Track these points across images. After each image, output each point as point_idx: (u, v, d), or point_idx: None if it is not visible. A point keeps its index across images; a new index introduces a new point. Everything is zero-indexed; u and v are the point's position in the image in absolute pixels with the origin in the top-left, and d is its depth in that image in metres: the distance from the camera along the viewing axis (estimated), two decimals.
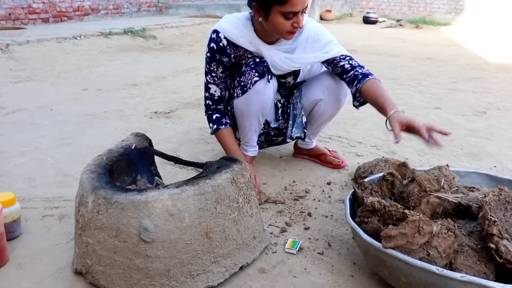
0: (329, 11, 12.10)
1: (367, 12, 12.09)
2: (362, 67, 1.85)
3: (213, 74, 1.91)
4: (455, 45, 7.54)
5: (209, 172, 1.31)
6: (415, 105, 3.45)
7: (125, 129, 2.76)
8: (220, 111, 2.01)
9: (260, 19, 1.73)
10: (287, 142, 2.22)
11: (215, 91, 1.95)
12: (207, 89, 1.97)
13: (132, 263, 1.20)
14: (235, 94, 1.90)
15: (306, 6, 1.65)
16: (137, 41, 6.89)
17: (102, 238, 1.20)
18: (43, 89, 3.88)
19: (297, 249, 1.51)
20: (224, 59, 1.87)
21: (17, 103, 3.38)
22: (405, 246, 1.16)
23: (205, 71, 1.94)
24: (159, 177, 1.67)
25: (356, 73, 1.81)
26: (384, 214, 1.29)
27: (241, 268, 1.38)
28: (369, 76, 1.79)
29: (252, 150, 2.09)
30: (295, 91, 2.09)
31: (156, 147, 2.43)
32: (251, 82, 1.81)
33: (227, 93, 2.01)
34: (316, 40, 1.88)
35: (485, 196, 1.28)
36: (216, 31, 1.84)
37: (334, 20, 12.13)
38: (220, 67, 1.89)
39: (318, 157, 2.26)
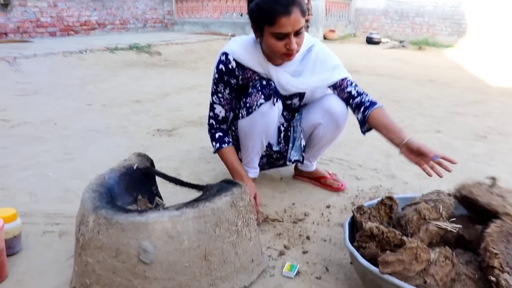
0: (333, 31, 12.23)
1: (370, 33, 12.21)
2: (367, 94, 1.90)
3: (220, 95, 1.92)
4: (457, 68, 7.60)
5: (209, 195, 1.33)
6: (417, 128, 3.47)
7: (127, 146, 2.79)
8: (223, 130, 2.02)
9: (258, 39, 1.78)
10: (287, 165, 2.24)
11: (220, 112, 1.97)
12: (212, 108, 1.98)
13: (131, 283, 1.21)
14: (240, 115, 1.92)
15: (301, 28, 1.67)
16: (142, 57, 6.97)
17: (102, 258, 1.22)
18: (48, 103, 3.92)
19: (294, 273, 1.52)
20: (232, 81, 1.89)
21: (22, 116, 3.42)
22: (402, 273, 1.17)
23: (212, 91, 1.95)
24: (160, 196, 1.69)
25: (362, 100, 1.86)
26: (382, 240, 1.30)
27: None
28: (376, 104, 1.85)
29: (254, 171, 2.11)
30: (296, 114, 2.11)
31: (158, 165, 2.45)
32: (256, 104, 1.84)
33: (231, 114, 2.03)
34: (324, 62, 1.91)
35: (487, 227, 1.29)
36: (225, 53, 1.86)
37: (337, 40, 12.26)
38: (227, 88, 1.91)
39: (318, 180, 2.28)
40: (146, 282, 1.21)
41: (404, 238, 1.26)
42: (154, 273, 1.20)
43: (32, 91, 4.41)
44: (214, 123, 2.00)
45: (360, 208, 1.57)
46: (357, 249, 1.34)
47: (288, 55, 1.73)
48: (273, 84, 1.86)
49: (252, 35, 1.89)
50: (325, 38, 12.11)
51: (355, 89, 1.91)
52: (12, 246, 1.55)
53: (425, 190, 2.27)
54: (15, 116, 3.42)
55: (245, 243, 1.38)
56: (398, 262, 1.18)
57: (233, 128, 2.04)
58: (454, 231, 1.35)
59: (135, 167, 1.54)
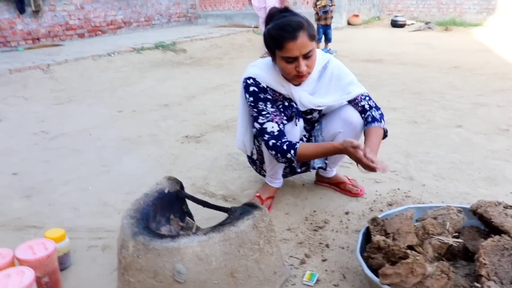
0: (357, 15, 12.11)
1: (395, 16, 12.03)
2: (378, 108, 2.03)
3: (264, 113, 1.91)
4: (484, 50, 7.48)
5: (233, 218, 1.48)
6: (437, 124, 3.53)
7: (158, 156, 2.98)
8: (287, 140, 1.91)
9: (273, 62, 1.92)
10: (310, 171, 2.38)
11: (273, 127, 1.90)
12: (263, 132, 1.90)
13: None
14: None
15: (309, 52, 1.78)
16: (168, 56, 7.16)
17: (142, 278, 1.39)
18: (81, 111, 4.16)
19: (314, 282, 1.66)
20: (268, 96, 1.96)
21: (59, 127, 3.65)
22: (399, 284, 1.32)
23: (254, 116, 1.93)
24: (190, 214, 1.86)
25: (369, 115, 2.00)
26: (388, 252, 1.44)
27: None
28: (376, 122, 1.98)
29: (278, 182, 2.25)
30: (316, 125, 2.23)
31: (187, 174, 2.64)
32: (280, 121, 1.96)
33: (284, 126, 1.96)
34: (339, 78, 2.04)
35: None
36: (250, 78, 1.96)
37: (361, 24, 12.14)
38: (268, 103, 1.93)
39: (338, 185, 2.40)
40: None
41: (408, 251, 1.40)
42: None
43: (66, 99, 4.66)
44: (274, 141, 1.88)
45: (374, 220, 1.70)
46: (366, 259, 1.49)
47: (299, 76, 1.86)
48: (294, 105, 1.99)
49: (269, 58, 2.02)
50: (349, 23, 12.01)
51: (367, 103, 2.03)
52: (63, 262, 1.76)
53: (441, 192, 2.38)
54: (53, 127, 3.66)
55: (267, 258, 1.54)
56: (395, 275, 1.32)
57: (257, 144, 2.17)
58: (455, 245, 1.46)
59: (166, 191, 1.71)
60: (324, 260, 1.81)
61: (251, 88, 1.95)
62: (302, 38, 1.75)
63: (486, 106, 4.03)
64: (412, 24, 11.92)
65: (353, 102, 2.06)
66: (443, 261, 1.36)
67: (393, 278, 1.32)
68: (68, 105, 4.41)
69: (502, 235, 1.42)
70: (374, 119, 1.97)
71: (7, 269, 1.46)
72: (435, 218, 1.60)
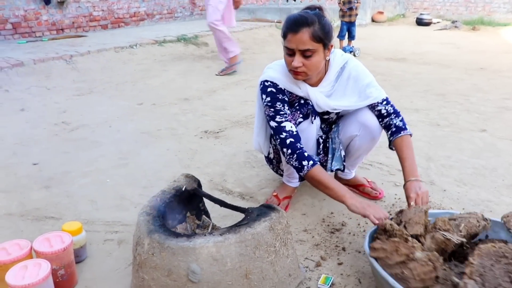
0: (381, 12, 11.94)
1: (421, 14, 11.83)
2: (398, 114, 1.97)
3: (282, 113, 1.90)
4: None
5: (249, 219, 1.46)
6: (461, 127, 3.45)
7: (177, 150, 2.98)
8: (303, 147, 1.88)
9: None
10: (329, 172, 2.34)
11: (291, 127, 1.87)
12: (280, 129, 1.87)
13: None
14: None
15: (307, 50, 1.75)
16: (190, 49, 7.16)
17: (156, 276, 1.39)
18: (102, 103, 4.19)
19: (329, 285, 1.64)
20: (286, 98, 1.96)
21: (80, 119, 3.68)
22: (384, 259, 1.43)
23: (271, 115, 1.90)
24: (207, 212, 1.85)
25: (390, 122, 1.95)
26: (392, 235, 1.52)
27: None
28: (402, 132, 1.92)
29: (295, 181, 2.23)
30: (333, 126, 2.20)
31: (205, 170, 2.63)
32: (295, 123, 1.95)
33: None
34: (356, 80, 1.99)
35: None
36: (268, 80, 1.95)
37: (386, 22, 11.97)
38: (286, 104, 1.93)
39: (357, 188, 2.36)
40: None
41: (409, 238, 1.47)
42: None
43: (88, 90, 4.70)
44: (293, 140, 1.85)
45: (400, 212, 1.68)
46: (374, 240, 1.57)
47: (294, 73, 1.84)
48: (310, 103, 1.97)
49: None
50: (373, 20, 11.86)
51: (385, 108, 1.97)
52: (79, 255, 1.77)
53: (462, 198, 2.32)
54: (73, 118, 3.69)
55: (283, 260, 1.52)
56: (382, 250, 1.45)
57: (273, 143, 2.15)
58: (457, 242, 1.48)
59: (183, 189, 1.70)
60: (340, 264, 1.79)
61: (269, 89, 1.94)
62: (304, 34, 1.73)
63: None
64: (438, 22, 11.70)
65: (369, 106, 2.01)
66: (436, 253, 1.39)
67: (379, 253, 1.44)
68: (89, 97, 4.45)
69: (508, 242, 1.39)
70: (399, 129, 1.92)
71: (24, 261, 1.48)
72: (454, 220, 1.60)
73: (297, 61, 1.78)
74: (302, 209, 2.22)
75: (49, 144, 3.10)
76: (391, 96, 2.07)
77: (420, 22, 11.57)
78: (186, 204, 1.75)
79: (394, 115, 1.95)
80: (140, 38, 7.20)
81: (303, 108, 1.94)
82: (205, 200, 1.86)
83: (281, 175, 2.27)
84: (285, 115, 1.90)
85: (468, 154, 2.91)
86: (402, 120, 1.95)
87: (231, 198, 2.33)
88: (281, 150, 1.87)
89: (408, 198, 1.75)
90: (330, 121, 2.20)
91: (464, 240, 1.51)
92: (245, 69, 5.81)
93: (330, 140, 2.18)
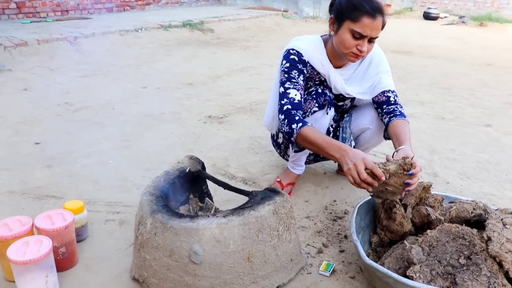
0: (389, 5, 11.82)
1: (428, 8, 11.71)
2: (402, 107, 1.97)
3: (294, 80, 1.86)
4: None
5: (253, 202, 1.45)
6: (465, 121, 3.43)
7: (180, 134, 2.96)
8: (301, 115, 1.83)
9: (332, 32, 1.85)
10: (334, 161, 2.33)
11: (295, 95, 1.83)
12: (284, 95, 1.83)
13: (182, 279, 1.37)
14: None
15: (376, 37, 1.75)
16: (195, 35, 7.11)
17: (158, 256, 1.38)
18: (106, 85, 4.16)
19: (330, 272, 1.63)
20: (304, 71, 1.92)
21: (83, 100, 3.66)
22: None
23: (283, 81, 1.87)
24: (210, 195, 1.84)
25: (395, 108, 1.93)
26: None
27: (278, 287, 1.52)
28: (403, 117, 1.90)
29: (300, 168, 2.21)
30: (345, 115, 2.18)
31: (208, 155, 2.62)
32: (310, 111, 1.92)
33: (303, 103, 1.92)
34: (377, 65, 2.00)
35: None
36: (294, 49, 1.91)
37: (393, 15, 11.87)
38: (302, 75, 1.90)
39: None
40: (196, 279, 1.36)
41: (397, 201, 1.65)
42: (203, 271, 1.35)
43: (92, 72, 4.67)
44: (290, 107, 1.80)
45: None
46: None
47: (355, 55, 1.79)
48: (327, 93, 1.94)
49: (314, 35, 1.97)
50: None
51: (394, 97, 1.97)
52: (80, 234, 1.76)
53: (466, 191, 2.31)
54: (77, 99, 3.67)
55: (285, 245, 1.51)
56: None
57: None
58: (433, 218, 1.60)
59: (187, 170, 1.68)
60: (341, 251, 1.78)
61: (291, 57, 1.91)
62: (379, 21, 1.71)
63: None
64: (445, 17, 11.59)
65: (380, 92, 1.99)
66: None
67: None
68: (93, 78, 4.42)
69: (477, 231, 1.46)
70: (402, 115, 1.91)
71: (26, 237, 1.47)
72: (453, 203, 1.68)
73: (366, 46, 1.75)
74: (305, 196, 2.21)
75: (51, 124, 3.09)
76: (397, 88, 2.06)
77: (427, 16, 11.46)
78: (190, 186, 1.74)
79: (400, 106, 1.95)
80: (145, 22, 7.15)
81: (320, 97, 1.92)
82: (208, 183, 1.85)
83: (287, 160, 2.25)
84: (295, 83, 1.86)
85: (472, 148, 2.90)
86: (404, 112, 1.95)
87: (234, 183, 2.32)
88: (278, 116, 1.84)
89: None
90: (343, 110, 2.19)
91: (442, 218, 1.60)
92: (250, 57, 5.77)
93: (340, 129, 2.16)
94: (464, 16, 10.95)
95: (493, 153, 2.83)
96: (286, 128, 1.77)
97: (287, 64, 1.89)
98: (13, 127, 3.00)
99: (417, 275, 1.30)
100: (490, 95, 4.24)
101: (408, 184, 1.52)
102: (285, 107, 1.80)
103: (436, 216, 1.60)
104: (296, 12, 9.97)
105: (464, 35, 8.72)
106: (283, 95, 1.84)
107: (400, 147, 1.71)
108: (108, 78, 4.47)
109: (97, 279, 1.58)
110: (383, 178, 1.50)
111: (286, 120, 1.77)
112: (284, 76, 1.88)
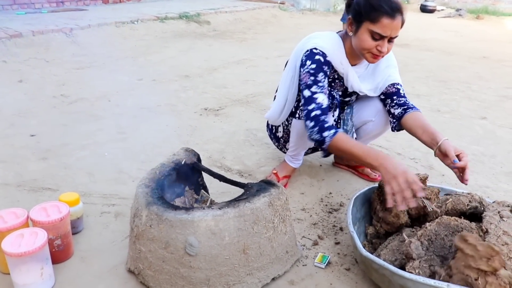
0: None
1: (425, 0, 11.69)
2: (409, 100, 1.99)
3: (320, 84, 1.80)
4: None
5: (249, 194, 1.45)
6: (461, 114, 3.43)
7: (176, 126, 2.95)
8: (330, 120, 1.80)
9: (350, 33, 1.81)
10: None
11: (323, 100, 1.77)
12: (311, 100, 1.77)
13: (178, 271, 1.37)
14: (297, 115, 1.98)
15: (396, 37, 1.73)
16: (192, 27, 7.07)
17: (153, 248, 1.38)
18: (102, 77, 4.14)
19: (325, 264, 1.64)
20: (328, 72, 1.86)
21: (79, 92, 3.65)
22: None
23: (308, 84, 1.80)
24: (205, 187, 1.84)
25: (406, 101, 1.96)
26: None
27: (273, 279, 1.53)
28: (417, 109, 1.93)
29: (298, 162, 2.21)
30: (345, 107, 2.17)
31: (204, 147, 2.61)
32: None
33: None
34: (387, 59, 2.01)
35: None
36: (317, 48, 1.84)
37: None
38: (326, 78, 1.84)
39: (356, 169, 2.36)
40: (191, 270, 1.37)
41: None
42: (198, 263, 1.36)
43: (88, 64, 4.64)
44: (319, 113, 1.74)
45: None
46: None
47: (375, 56, 1.77)
48: (335, 95, 1.91)
49: (331, 32, 1.94)
50: None
51: (402, 90, 2.00)
52: (75, 226, 1.76)
53: (460, 183, 2.29)
54: (72, 91, 3.65)
55: (281, 237, 1.51)
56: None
57: (286, 123, 2.12)
58: (430, 210, 1.62)
59: (183, 162, 1.68)
60: (337, 243, 1.79)
61: (317, 57, 1.82)
62: (398, 20, 1.68)
63: None
64: (442, 10, 11.57)
65: (390, 84, 2.01)
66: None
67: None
68: (88, 70, 4.39)
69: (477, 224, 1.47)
70: (414, 107, 1.93)
71: (21, 229, 1.47)
72: (449, 195, 1.70)
73: (386, 47, 1.72)
74: (301, 188, 2.21)
75: (47, 116, 3.07)
76: None
77: (424, 9, 11.44)
78: (185, 178, 1.74)
79: (408, 100, 1.96)
80: (141, 14, 7.10)
81: (328, 99, 1.90)
82: (204, 175, 1.85)
83: (285, 152, 2.24)
84: (322, 87, 1.79)
85: (467, 141, 2.91)
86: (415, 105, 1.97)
87: (230, 175, 2.32)
88: (305, 122, 1.78)
89: (449, 152, 1.66)
90: (347, 103, 2.18)
91: (438, 210, 1.62)
92: (246, 49, 5.75)
93: (341, 121, 2.16)
94: (460, 9, 10.94)
95: (488, 146, 2.84)
96: (316, 136, 1.73)
97: (313, 66, 1.81)
98: (8, 119, 2.98)
99: (417, 271, 1.30)
100: (486, 88, 4.24)
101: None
102: (313, 113, 1.74)
103: (432, 208, 1.61)
104: (293, 5, 9.93)
105: (461, 28, 8.72)
106: (310, 100, 1.77)
107: (441, 140, 1.70)
108: (104, 70, 4.44)
109: (92, 271, 1.58)
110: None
111: (317, 128, 1.73)
112: (310, 79, 1.80)
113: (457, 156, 1.66)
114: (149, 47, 5.65)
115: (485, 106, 3.65)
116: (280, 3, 9.49)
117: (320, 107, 1.75)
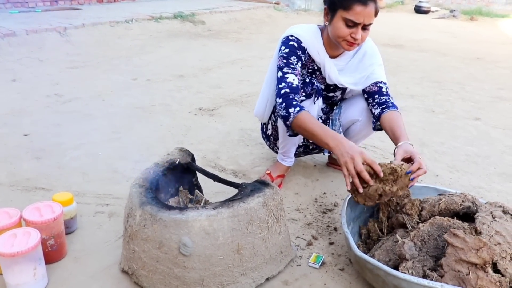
0: None
1: (420, 1, 11.73)
2: (393, 99, 1.99)
3: (292, 66, 1.85)
4: (509, 43, 7.28)
5: (243, 195, 1.45)
6: (455, 114, 3.45)
7: (170, 126, 2.95)
8: (298, 100, 1.82)
9: (326, 23, 1.86)
10: (324, 155, 2.35)
11: (293, 80, 1.82)
12: (282, 80, 1.82)
13: (172, 271, 1.37)
14: None
15: (370, 24, 1.76)
16: (186, 26, 7.06)
17: (147, 248, 1.38)
18: (96, 77, 4.13)
19: (319, 264, 1.64)
20: (302, 57, 1.92)
21: (73, 91, 3.63)
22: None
23: (281, 66, 1.86)
24: (200, 187, 1.84)
25: (388, 100, 1.95)
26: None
27: (267, 279, 1.53)
28: (396, 108, 1.92)
29: (289, 160, 2.21)
30: (334, 108, 2.19)
31: (199, 147, 2.61)
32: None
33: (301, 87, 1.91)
34: (371, 57, 2.01)
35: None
36: (293, 35, 1.92)
37: (384, 8, 11.87)
38: (300, 62, 1.90)
39: None
40: (185, 271, 1.36)
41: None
42: (192, 263, 1.35)
43: (82, 63, 4.63)
44: (288, 91, 1.79)
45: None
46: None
47: (350, 44, 1.80)
48: (315, 82, 1.94)
49: (312, 24, 1.98)
50: None
51: (385, 88, 2.00)
52: (69, 226, 1.75)
53: (454, 184, 2.33)
54: (66, 90, 3.64)
55: (275, 237, 1.51)
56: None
57: (274, 119, 2.13)
58: (409, 227, 1.59)
59: (177, 162, 1.68)
60: (331, 243, 1.79)
61: (291, 43, 1.91)
62: (371, 7, 1.71)
63: (507, 100, 3.93)
64: (436, 11, 11.62)
65: (372, 83, 2.01)
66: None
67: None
68: (82, 70, 4.38)
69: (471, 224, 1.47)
70: (394, 106, 1.93)
71: (14, 229, 1.46)
72: (442, 195, 1.69)
73: (360, 33, 1.75)
74: (295, 189, 2.21)
75: (40, 116, 3.06)
76: (387, 82, 2.06)
77: (418, 10, 11.49)
78: (179, 178, 1.73)
79: (391, 98, 1.96)
80: (136, 13, 7.08)
81: (307, 87, 1.91)
82: (198, 175, 1.84)
83: (277, 152, 2.25)
84: (293, 69, 1.85)
85: (461, 141, 2.92)
86: (396, 104, 1.97)
87: (224, 175, 2.32)
88: (275, 100, 1.82)
89: (396, 157, 1.65)
90: (332, 102, 2.19)
91: (417, 227, 1.58)
92: (241, 49, 5.75)
93: (330, 121, 2.17)
94: (455, 10, 10.99)
95: (481, 146, 2.85)
96: (283, 112, 1.76)
97: (286, 50, 1.89)
98: (1, 119, 2.97)
99: (410, 271, 1.31)
100: (479, 89, 4.26)
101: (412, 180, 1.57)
102: (282, 91, 1.79)
103: (412, 226, 1.58)
104: (287, 5, 9.95)
105: (455, 29, 8.76)
106: (281, 80, 1.83)
107: (399, 144, 1.72)
108: (98, 69, 4.43)
109: (86, 271, 1.57)
110: (381, 174, 1.51)
111: (284, 104, 1.76)
112: (282, 61, 1.87)
113: (408, 159, 1.65)
114: (144, 46, 5.63)
115: (479, 107, 3.67)
116: (275, 3, 9.51)
117: (290, 86, 1.80)
